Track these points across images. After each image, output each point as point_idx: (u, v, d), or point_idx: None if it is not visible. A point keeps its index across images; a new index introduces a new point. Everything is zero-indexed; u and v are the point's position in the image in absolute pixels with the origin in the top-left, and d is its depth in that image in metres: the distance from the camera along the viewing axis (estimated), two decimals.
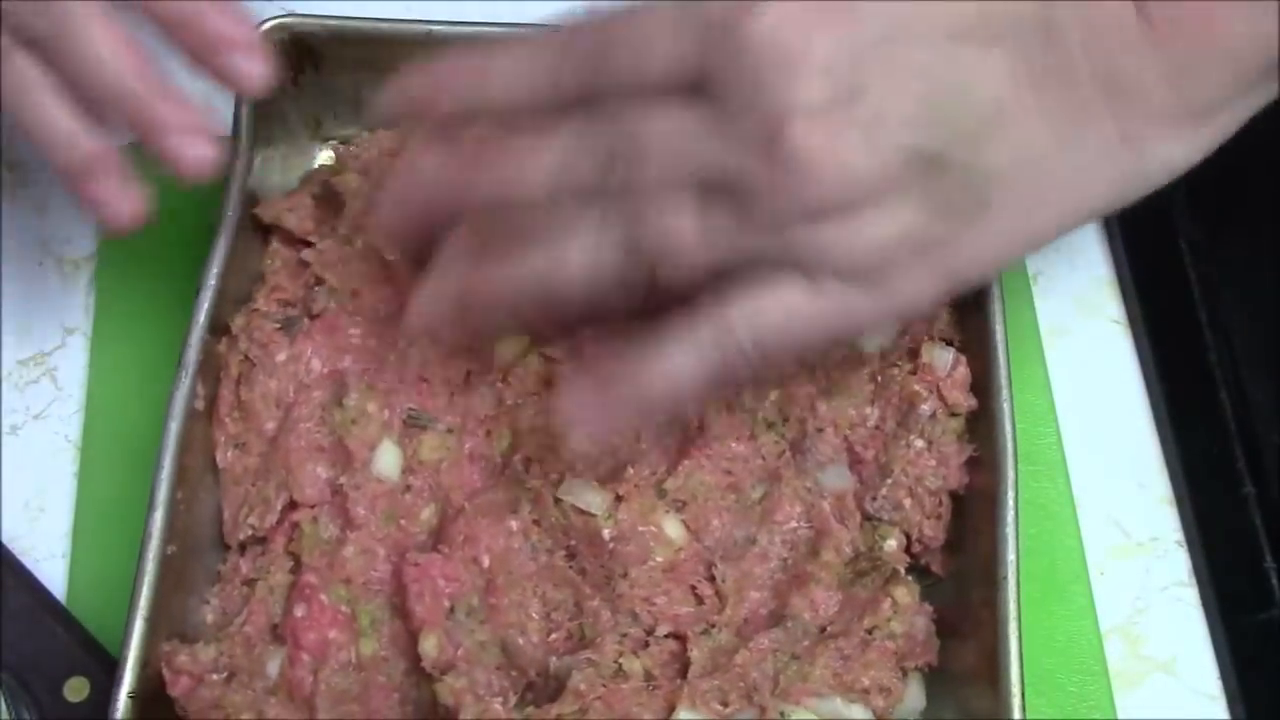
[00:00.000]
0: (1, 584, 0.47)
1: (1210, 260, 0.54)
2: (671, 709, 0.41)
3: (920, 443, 0.46)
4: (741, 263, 0.37)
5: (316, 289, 0.48)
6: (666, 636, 0.43)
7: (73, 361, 0.53)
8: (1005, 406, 0.45)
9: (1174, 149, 0.38)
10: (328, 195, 0.50)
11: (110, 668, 0.46)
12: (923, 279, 0.38)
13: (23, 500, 0.50)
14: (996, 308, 0.46)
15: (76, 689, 0.46)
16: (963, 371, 0.46)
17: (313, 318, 0.48)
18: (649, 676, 0.42)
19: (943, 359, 0.47)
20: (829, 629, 0.43)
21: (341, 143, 0.53)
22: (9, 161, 0.57)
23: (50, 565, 0.49)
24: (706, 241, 0.37)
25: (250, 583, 0.45)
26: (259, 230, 0.50)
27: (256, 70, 0.41)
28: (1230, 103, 0.39)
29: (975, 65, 0.36)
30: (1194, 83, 0.38)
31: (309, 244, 0.49)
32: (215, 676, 0.43)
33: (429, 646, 0.43)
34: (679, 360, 0.38)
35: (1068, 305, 0.55)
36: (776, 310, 0.37)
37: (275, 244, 0.50)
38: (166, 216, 0.54)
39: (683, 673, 0.43)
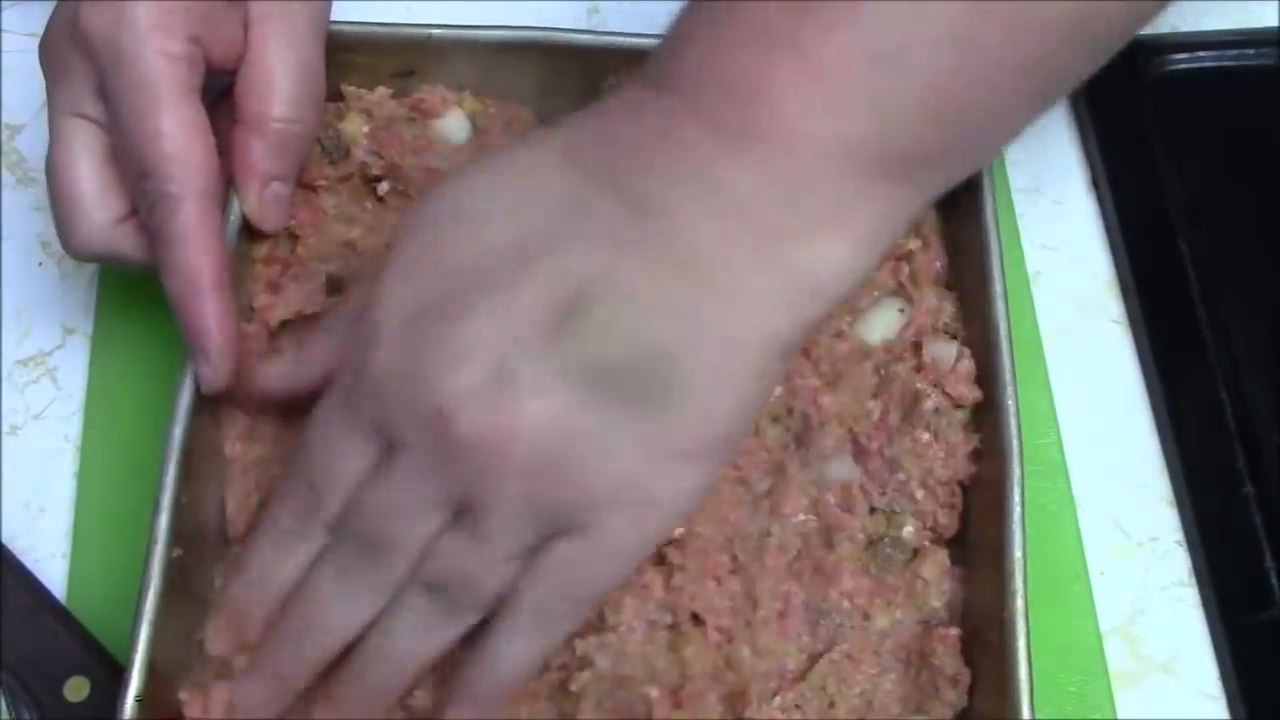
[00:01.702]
0: (1, 584, 0.47)
1: (1210, 260, 0.54)
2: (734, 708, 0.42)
3: (926, 435, 0.46)
4: (528, 547, 0.39)
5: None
6: (697, 627, 0.43)
7: (73, 361, 0.53)
8: (1010, 403, 0.45)
9: (830, 254, 0.38)
10: (332, 146, 0.50)
11: (110, 667, 0.46)
12: (674, 470, 0.38)
13: (23, 500, 0.50)
14: (1000, 303, 0.46)
15: (76, 689, 0.46)
16: (967, 365, 0.46)
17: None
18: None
19: (946, 353, 0.47)
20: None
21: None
22: (9, 162, 0.57)
23: (50, 565, 0.49)
24: (485, 554, 0.38)
25: None
26: None
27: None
28: (863, 201, 0.37)
29: (594, 280, 0.37)
30: (808, 195, 0.37)
31: (313, 189, 0.49)
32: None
33: None
34: (515, 651, 0.40)
35: (1068, 305, 0.55)
36: (562, 565, 0.38)
37: None
38: None
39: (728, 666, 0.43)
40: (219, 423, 0.46)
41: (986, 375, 0.46)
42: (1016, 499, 0.43)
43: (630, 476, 0.37)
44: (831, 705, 0.43)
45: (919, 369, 0.47)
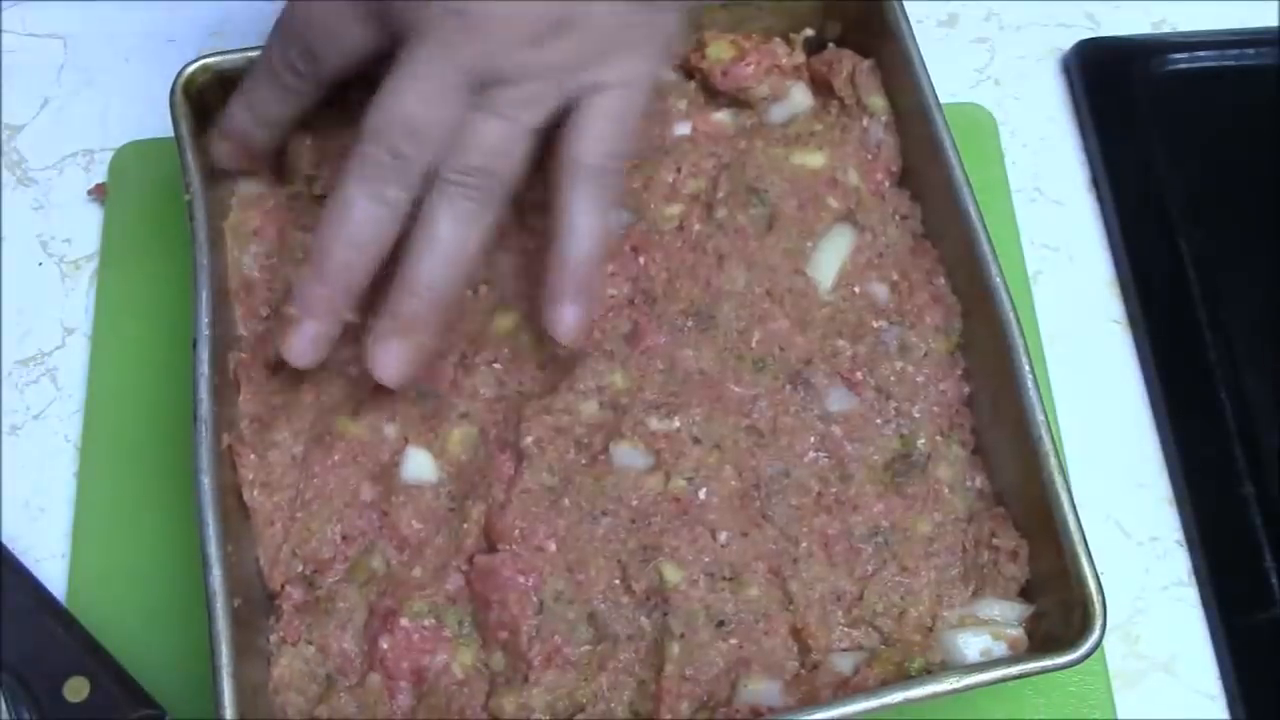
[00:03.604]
0: (1, 584, 0.47)
1: (1210, 260, 0.54)
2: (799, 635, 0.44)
3: (900, 364, 0.48)
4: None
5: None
6: (751, 574, 0.44)
7: (73, 361, 0.53)
8: (997, 280, 0.46)
9: None
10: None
11: (110, 668, 0.46)
12: (656, 14, 0.44)
13: (23, 500, 0.51)
14: (970, 204, 0.47)
15: (76, 689, 0.46)
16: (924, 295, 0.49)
17: None
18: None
19: (880, 291, 0.49)
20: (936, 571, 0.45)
21: None
22: (9, 161, 0.57)
23: (50, 565, 0.49)
24: (509, 119, 0.43)
25: (313, 625, 0.44)
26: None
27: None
28: None
29: None
30: None
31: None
32: None
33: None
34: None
35: (1068, 305, 0.55)
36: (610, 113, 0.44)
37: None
38: (166, 217, 0.54)
39: (787, 603, 0.44)
40: (235, 470, 0.45)
41: (974, 274, 0.47)
42: (1025, 368, 0.45)
43: (625, 20, 0.43)
44: (902, 615, 0.44)
45: (873, 308, 0.49)
